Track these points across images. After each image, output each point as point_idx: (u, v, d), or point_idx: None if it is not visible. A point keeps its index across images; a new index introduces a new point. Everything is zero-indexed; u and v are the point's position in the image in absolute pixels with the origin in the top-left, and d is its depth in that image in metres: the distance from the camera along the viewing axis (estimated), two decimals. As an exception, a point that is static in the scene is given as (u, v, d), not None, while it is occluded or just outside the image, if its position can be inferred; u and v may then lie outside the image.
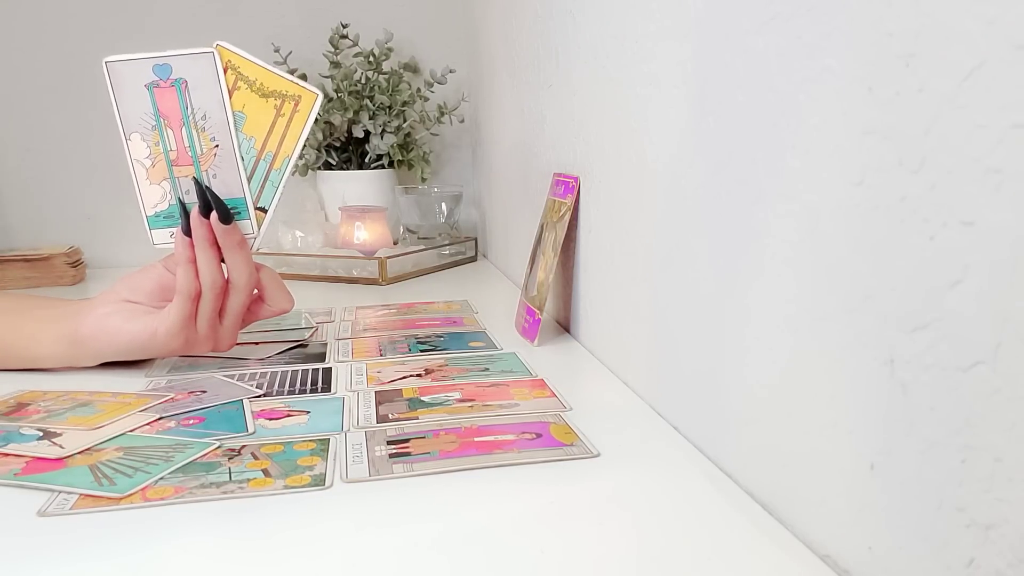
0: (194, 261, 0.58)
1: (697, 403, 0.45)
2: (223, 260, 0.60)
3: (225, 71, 0.59)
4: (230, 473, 0.42)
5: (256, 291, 0.62)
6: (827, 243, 0.31)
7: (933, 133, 0.25)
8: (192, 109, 0.59)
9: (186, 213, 0.59)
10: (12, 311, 0.63)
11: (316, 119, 1.16)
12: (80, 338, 0.60)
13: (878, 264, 0.28)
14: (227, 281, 0.60)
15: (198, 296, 0.59)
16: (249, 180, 0.60)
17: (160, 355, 0.62)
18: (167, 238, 0.61)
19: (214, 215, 0.58)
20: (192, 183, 0.59)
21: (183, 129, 0.59)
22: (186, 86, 0.59)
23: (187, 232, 0.58)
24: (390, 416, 0.51)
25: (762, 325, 0.37)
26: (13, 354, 0.61)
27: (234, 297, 0.60)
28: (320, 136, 1.17)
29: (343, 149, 1.21)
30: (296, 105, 0.59)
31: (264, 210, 0.61)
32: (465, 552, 0.34)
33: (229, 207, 0.59)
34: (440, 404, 0.53)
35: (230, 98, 0.59)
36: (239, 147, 0.59)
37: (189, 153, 0.60)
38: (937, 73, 0.25)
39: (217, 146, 0.59)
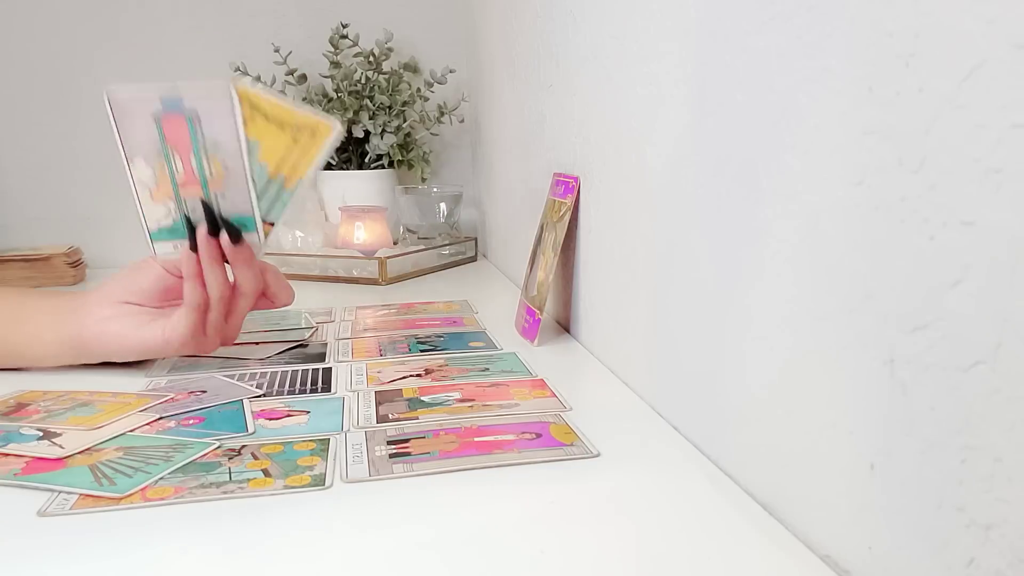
0: (200, 275, 0.58)
1: (697, 403, 0.45)
2: (227, 262, 0.60)
3: (240, 102, 0.57)
4: (230, 473, 0.42)
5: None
6: (827, 243, 0.31)
7: (933, 133, 0.25)
8: (203, 139, 0.58)
9: (192, 229, 0.58)
10: (10, 312, 0.63)
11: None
12: (83, 342, 0.60)
13: (878, 264, 0.28)
14: (233, 287, 0.60)
15: (207, 306, 0.59)
16: (260, 199, 0.59)
17: (168, 357, 0.63)
18: (170, 249, 0.60)
19: (224, 235, 0.58)
20: (199, 203, 0.58)
21: (192, 158, 0.58)
22: (197, 117, 0.57)
23: (194, 248, 0.58)
24: (390, 416, 0.51)
25: (762, 325, 0.37)
26: (13, 354, 0.61)
27: (242, 302, 0.61)
28: (320, 136, 1.17)
29: (343, 149, 1.21)
30: (313, 134, 0.58)
31: (272, 224, 0.60)
32: (465, 552, 0.34)
33: (237, 223, 0.58)
34: (440, 404, 0.53)
35: (245, 128, 0.57)
36: (251, 172, 0.58)
37: (197, 176, 0.58)
38: (937, 73, 0.25)
39: (227, 170, 0.58)
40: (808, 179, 0.33)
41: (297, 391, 0.57)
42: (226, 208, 0.59)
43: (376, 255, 1.03)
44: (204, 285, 0.58)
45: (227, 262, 0.59)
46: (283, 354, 0.67)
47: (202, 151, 0.58)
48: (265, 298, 0.63)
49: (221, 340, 0.62)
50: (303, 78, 1.20)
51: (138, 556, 0.34)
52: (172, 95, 0.57)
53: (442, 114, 1.22)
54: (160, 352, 0.60)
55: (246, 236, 0.59)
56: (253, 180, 0.58)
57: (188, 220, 0.59)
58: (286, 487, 0.41)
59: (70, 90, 1.20)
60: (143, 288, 0.61)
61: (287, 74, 1.19)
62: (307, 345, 0.70)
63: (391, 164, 1.21)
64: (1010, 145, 0.22)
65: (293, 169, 0.58)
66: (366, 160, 1.20)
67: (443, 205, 1.17)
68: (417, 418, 0.50)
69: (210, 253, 0.58)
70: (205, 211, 0.58)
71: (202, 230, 0.58)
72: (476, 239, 1.24)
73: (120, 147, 0.58)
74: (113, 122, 0.58)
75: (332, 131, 0.58)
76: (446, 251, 1.16)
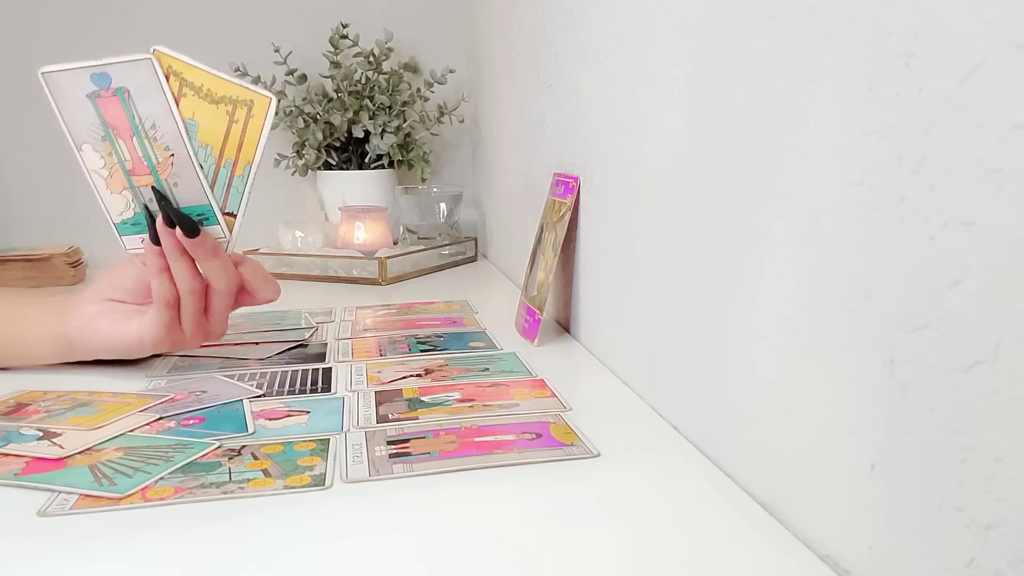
0: (167, 269, 0.56)
1: (697, 403, 0.45)
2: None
3: (168, 78, 0.55)
4: (230, 473, 0.42)
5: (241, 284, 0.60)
6: (827, 243, 0.31)
7: (933, 133, 0.25)
8: (140, 118, 0.56)
9: (152, 221, 0.56)
10: (3, 310, 0.63)
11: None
12: (71, 340, 0.60)
13: (878, 264, 0.28)
14: (207, 284, 0.58)
15: (177, 302, 0.57)
16: (212, 187, 0.57)
17: (151, 354, 0.62)
18: (139, 243, 0.58)
19: (178, 229, 0.55)
20: (153, 193, 0.56)
21: (134, 139, 0.56)
22: (129, 95, 0.55)
23: (155, 241, 0.56)
24: (390, 416, 0.51)
25: (762, 325, 0.37)
26: (7, 354, 0.61)
27: (216, 299, 0.58)
28: (320, 136, 1.17)
29: (343, 149, 1.21)
30: (249, 110, 0.56)
31: (233, 215, 0.58)
32: (465, 552, 0.34)
33: (196, 214, 0.56)
34: (440, 404, 0.53)
35: (178, 106, 0.56)
36: (195, 155, 0.56)
37: (145, 163, 0.56)
38: (937, 73, 0.25)
39: (172, 155, 0.56)
40: (808, 179, 0.33)
41: (297, 391, 0.57)
42: (181, 197, 0.57)
43: (376, 255, 1.03)
44: (172, 279, 0.56)
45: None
46: (283, 354, 0.67)
47: (142, 133, 0.56)
48: (246, 294, 0.60)
49: (204, 336, 0.60)
50: (303, 78, 1.20)
51: (138, 556, 0.34)
52: (100, 72, 0.55)
53: (442, 114, 1.22)
54: (138, 350, 0.59)
55: (208, 229, 0.57)
56: (200, 165, 0.56)
57: (147, 210, 0.57)
58: (286, 487, 0.41)
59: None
60: (125, 285, 0.60)
61: (287, 74, 1.19)
62: (307, 345, 0.70)
63: (391, 164, 1.21)
64: (1010, 145, 0.22)
65: (237, 152, 0.56)
66: (366, 160, 1.20)
67: (443, 205, 1.17)
68: (417, 418, 0.50)
69: (172, 244, 0.55)
70: (159, 200, 0.56)
71: (160, 221, 0.56)
72: (476, 239, 1.24)
73: (67, 134, 0.57)
74: (54, 105, 0.56)
75: (269, 106, 0.56)
76: (446, 251, 1.16)
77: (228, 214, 0.58)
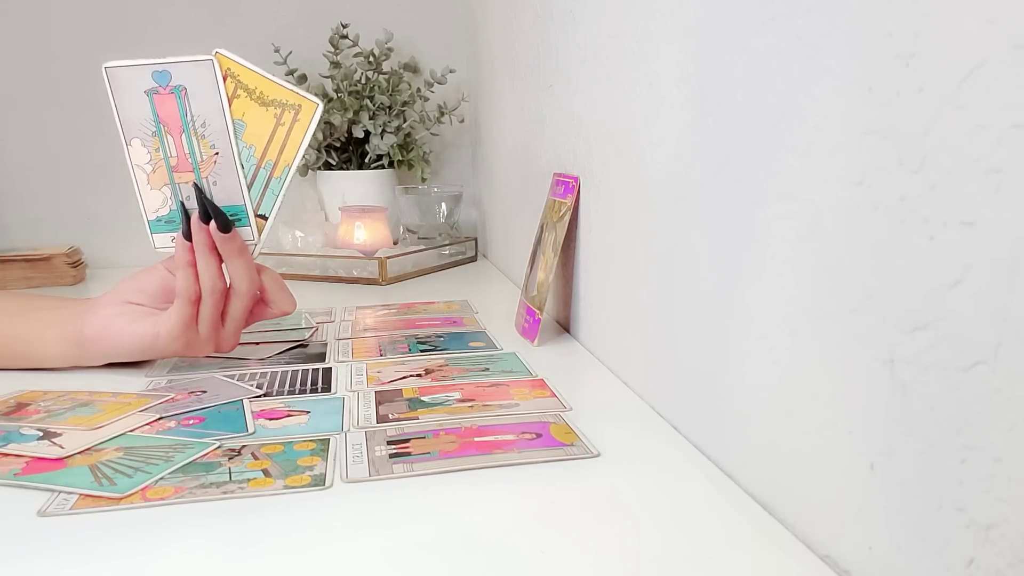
0: (194, 265, 0.58)
1: (697, 403, 0.45)
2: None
3: (224, 79, 0.58)
4: (230, 473, 0.42)
5: (259, 293, 0.62)
6: (827, 243, 0.31)
7: (933, 133, 0.25)
8: (192, 116, 0.58)
9: (187, 217, 0.58)
10: (15, 311, 0.63)
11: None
12: (84, 340, 0.60)
13: (878, 264, 0.28)
14: (228, 286, 0.60)
15: (198, 300, 0.59)
16: (249, 188, 0.60)
17: (162, 356, 0.62)
18: (168, 242, 0.61)
19: (213, 223, 0.58)
20: (193, 189, 0.59)
21: (183, 136, 0.59)
22: (185, 93, 0.58)
23: (187, 236, 0.58)
24: (390, 416, 0.51)
25: (762, 325, 0.37)
26: (17, 354, 0.61)
27: (236, 302, 0.60)
28: (320, 136, 1.17)
29: (343, 149, 1.21)
30: (296, 114, 0.59)
31: (264, 217, 0.60)
32: (465, 552, 0.34)
33: (229, 214, 0.59)
34: (440, 404, 0.53)
35: (230, 106, 0.59)
36: (239, 155, 0.59)
37: (189, 160, 0.59)
38: (937, 73, 0.25)
39: (217, 153, 0.59)
40: (808, 179, 0.33)
41: (297, 391, 0.57)
42: (217, 197, 0.59)
43: (376, 255, 1.03)
44: (197, 276, 0.58)
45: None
46: (283, 354, 0.67)
47: (192, 129, 0.58)
48: (262, 303, 0.63)
49: (216, 345, 0.61)
50: (303, 78, 1.20)
51: (138, 556, 0.34)
52: (162, 69, 0.58)
53: (442, 114, 1.22)
54: (152, 347, 0.59)
55: (239, 230, 0.59)
56: (241, 164, 0.59)
57: (183, 207, 0.59)
58: (286, 487, 0.41)
59: (71, 90, 1.20)
60: (146, 288, 0.61)
61: (287, 74, 1.19)
62: (307, 345, 0.70)
63: (391, 164, 1.21)
64: (1010, 145, 0.22)
65: (279, 154, 0.59)
66: (366, 160, 1.20)
67: (443, 205, 1.17)
68: (417, 418, 0.50)
69: (203, 240, 0.58)
70: (198, 196, 0.58)
71: (195, 215, 0.58)
72: (476, 239, 1.24)
73: (120, 129, 0.59)
74: (112, 99, 0.59)
75: (316, 111, 0.59)
76: (446, 251, 1.16)
77: (260, 216, 0.60)
